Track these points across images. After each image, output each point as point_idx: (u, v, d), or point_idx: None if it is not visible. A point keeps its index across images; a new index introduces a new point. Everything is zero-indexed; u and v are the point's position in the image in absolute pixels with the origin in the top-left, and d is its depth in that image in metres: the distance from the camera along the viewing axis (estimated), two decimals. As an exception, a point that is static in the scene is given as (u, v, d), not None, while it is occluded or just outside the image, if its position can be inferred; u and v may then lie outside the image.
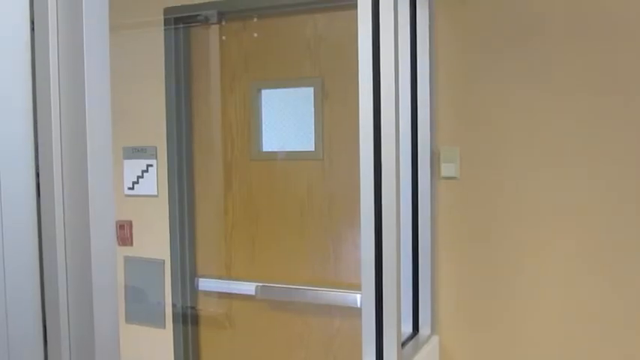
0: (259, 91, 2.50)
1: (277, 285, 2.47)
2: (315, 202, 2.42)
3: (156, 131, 2.61)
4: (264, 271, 2.52)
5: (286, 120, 2.48)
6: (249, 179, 2.53)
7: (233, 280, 2.57)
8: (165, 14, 2.56)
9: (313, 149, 2.42)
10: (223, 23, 2.52)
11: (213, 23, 2.53)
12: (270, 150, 2.51)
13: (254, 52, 2.49)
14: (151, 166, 2.63)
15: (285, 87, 2.47)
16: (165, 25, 2.56)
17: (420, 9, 2.14)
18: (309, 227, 2.44)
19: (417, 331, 2.19)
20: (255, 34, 2.48)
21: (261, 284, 2.48)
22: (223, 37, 2.53)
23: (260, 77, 2.49)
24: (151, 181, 2.63)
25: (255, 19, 2.47)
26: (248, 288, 2.51)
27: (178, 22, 2.56)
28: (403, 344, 2.03)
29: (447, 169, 2.15)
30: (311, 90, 2.41)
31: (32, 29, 0.80)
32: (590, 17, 1.95)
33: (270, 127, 2.51)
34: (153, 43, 2.58)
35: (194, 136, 2.61)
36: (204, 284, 2.61)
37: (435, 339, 2.18)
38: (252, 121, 2.50)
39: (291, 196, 2.46)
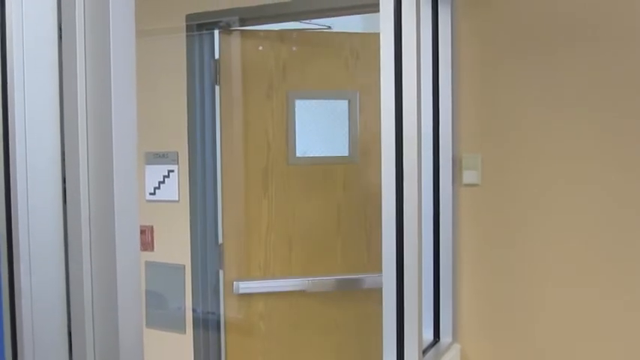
0: (294, 100, 2.53)
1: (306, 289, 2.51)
2: (352, 207, 2.48)
3: (177, 137, 2.62)
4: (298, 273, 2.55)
5: (321, 128, 2.64)
6: (284, 184, 2.56)
7: (257, 283, 2.57)
8: (187, 21, 2.58)
9: (348, 154, 2.56)
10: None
11: (235, 29, 2.54)
12: (304, 155, 2.58)
13: (290, 62, 2.52)
14: (172, 171, 2.64)
15: (320, 98, 2.57)
16: (187, 31, 2.57)
17: (442, 15, 2.13)
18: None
19: (439, 338, 2.17)
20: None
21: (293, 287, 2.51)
22: (260, 47, 2.57)
23: (295, 87, 2.54)
24: (173, 187, 2.64)
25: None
26: (271, 292, 2.53)
27: (201, 29, 2.58)
28: (424, 351, 2.02)
29: (468, 175, 2.13)
30: (345, 102, 2.55)
31: (60, 37, 0.81)
32: (619, 26, 1.92)
33: (305, 133, 2.58)
34: (175, 49, 2.60)
35: (222, 142, 2.61)
36: (236, 288, 2.59)
37: (457, 347, 2.16)
38: (288, 127, 2.54)
39: (326, 201, 2.53)
